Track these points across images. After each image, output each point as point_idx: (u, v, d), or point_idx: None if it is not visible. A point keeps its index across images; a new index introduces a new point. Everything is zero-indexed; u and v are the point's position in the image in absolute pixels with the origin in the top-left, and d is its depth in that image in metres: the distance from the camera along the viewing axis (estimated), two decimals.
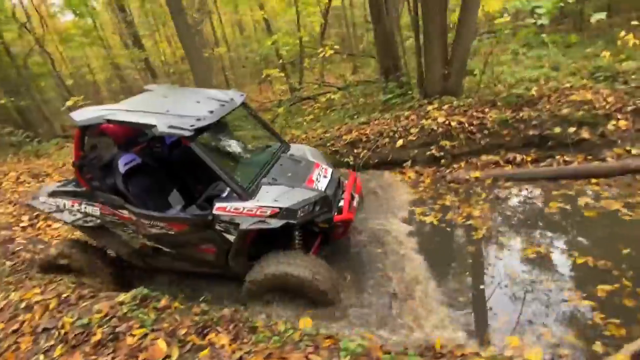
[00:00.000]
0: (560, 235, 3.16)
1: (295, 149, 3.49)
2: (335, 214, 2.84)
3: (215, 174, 2.61)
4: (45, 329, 2.26)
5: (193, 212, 2.81)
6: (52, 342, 2.15)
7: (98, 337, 2.09)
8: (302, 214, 2.62)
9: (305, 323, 2.40)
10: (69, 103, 9.98)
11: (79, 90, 19.61)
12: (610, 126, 4.09)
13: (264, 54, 10.46)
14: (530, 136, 4.30)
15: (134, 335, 2.09)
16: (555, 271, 2.76)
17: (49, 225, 5.52)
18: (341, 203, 2.93)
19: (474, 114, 4.72)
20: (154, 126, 2.52)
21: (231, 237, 2.65)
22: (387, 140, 4.95)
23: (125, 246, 3.29)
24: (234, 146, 3.59)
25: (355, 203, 3.10)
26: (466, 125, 4.59)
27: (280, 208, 2.55)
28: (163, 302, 2.47)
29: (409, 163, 4.75)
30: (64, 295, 2.60)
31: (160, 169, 3.52)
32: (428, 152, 4.66)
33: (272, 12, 15.21)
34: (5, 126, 9.29)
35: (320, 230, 3.14)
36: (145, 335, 2.09)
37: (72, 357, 2.01)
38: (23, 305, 2.53)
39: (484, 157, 4.46)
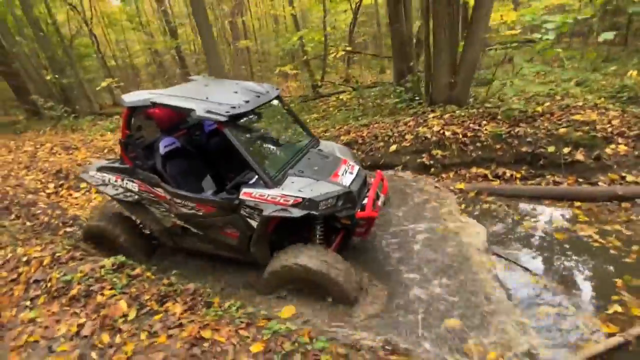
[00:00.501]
0: (523, 254, 3.15)
1: (324, 145, 3.52)
2: (359, 210, 2.81)
3: (245, 161, 2.69)
4: (36, 281, 2.64)
5: (222, 195, 2.89)
6: (38, 292, 2.52)
7: (74, 292, 2.43)
8: (324, 207, 2.63)
9: (288, 311, 2.50)
10: (103, 84, 10.85)
11: (120, 71, 20.94)
12: (608, 150, 3.97)
13: (287, 49, 10.70)
14: (523, 153, 4.25)
15: (103, 295, 2.41)
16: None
17: (70, 195, 6.11)
18: (365, 201, 2.90)
19: (471, 125, 4.70)
20: (193, 110, 2.66)
21: (254, 223, 2.71)
22: (381, 144, 5.04)
23: (157, 223, 3.41)
24: (266, 137, 3.68)
25: (380, 202, 3.08)
26: (460, 136, 4.60)
27: (303, 198, 2.58)
28: (137, 270, 2.80)
29: (399, 168, 4.82)
30: (58, 254, 2.99)
31: (198, 154, 3.66)
32: (419, 160, 4.71)
33: (305, 8, 15.39)
34: (48, 100, 10.20)
35: (342, 227, 3.15)
36: (113, 296, 2.40)
37: (51, 306, 2.37)
38: (25, 259, 2.94)
39: (473, 170, 4.46)
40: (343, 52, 6.73)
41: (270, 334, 1.94)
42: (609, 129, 4.13)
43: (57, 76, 11.28)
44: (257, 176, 2.74)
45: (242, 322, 2.13)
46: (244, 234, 2.87)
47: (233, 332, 1.99)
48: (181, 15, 16.54)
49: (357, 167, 3.16)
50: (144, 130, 3.52)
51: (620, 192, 3.51)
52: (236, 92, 3.10)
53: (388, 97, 7.18)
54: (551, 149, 4.10)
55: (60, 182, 6.42)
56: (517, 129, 4.37)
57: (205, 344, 1.88)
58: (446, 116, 5.15)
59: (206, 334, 1.97)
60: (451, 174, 4.56)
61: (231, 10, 16.62)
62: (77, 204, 5.76)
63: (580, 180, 3.95)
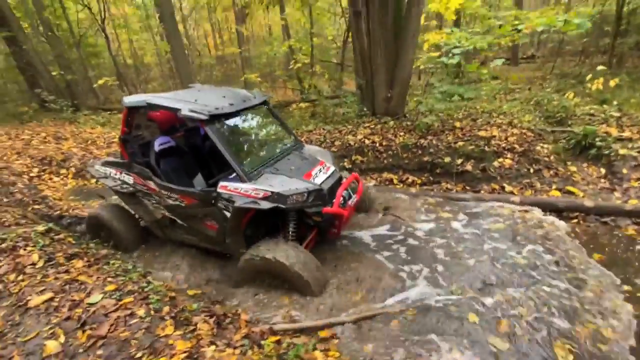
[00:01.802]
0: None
1: (309, 149, 3.74)
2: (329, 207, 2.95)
3: (224, 157, 2.90)
4: None
5: (202, 188, 3.11)
6: None
7: (4, 246, 3.13)
8: (292, 201, 2.78)
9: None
10: (100, 82, 11.78)
11: (130, 70, 22.09)
12: (496, 163, 4.49)
13: (271, 57, 11.44)
14: (424, 162, 4.80)
15: (25, 249, 3.10)
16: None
17: (51, 179, 6.92)
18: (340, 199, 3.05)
19: (389, 135, 5.28)
20: (179, 109, 2.93)
21: (229, 215, 2.90)
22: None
23: (149, 215, 3.69)
24: (251, 138, 3.82)
25: (351, 202, 3.24)
26: (377, 144, 5.18)
27: (272, 192, 2.74)
28: (61, 235, 3.48)
29: None
30: (7, 222, 3.71)
31: (192, 154, 3.93)
32: (341, 164, 5.31)
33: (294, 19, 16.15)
34: (51, 94, 11.21)
35: (315, 224, 3.30)
36: (32, 252, 3.08)
37: None
38: None
39: (385, 174, 5.03)
40: (302, 63, 7.35)
41: (128, 280, 2.59)
42: (503, 145, 4.65)
43: (62, 72, 12.31)
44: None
45: (116, 274, 2.78)
46: (222, 226, 3.07)
47: (102, 279, 2.64)
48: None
49: (332, 169, 3.34)
50: (144, 129, 3.90)
51: (487, 198, 4.04)
52: (224, 97, 3.35)
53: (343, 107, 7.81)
54: (447, 159, 4.65)
55: (44, 168, 7.24)
56: (422, 141, 4.92)
57: (75, 284, 2.54)
58: (378, 127, 5.75)
59: (81, 277, 2.63)
60: (368, 178, 5.14)
61: (237, 17, 17.62)
62: (54, 187, 6.55)
63: (468, 188, 4.48)
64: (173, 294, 2.55)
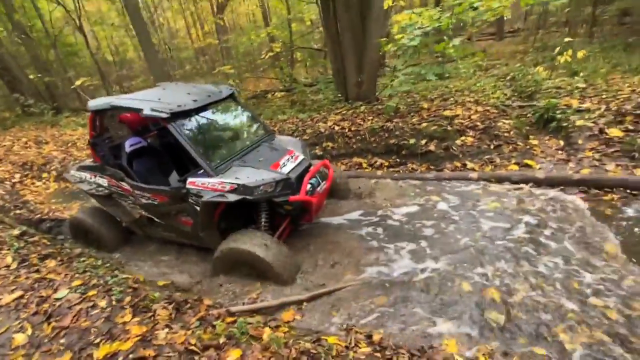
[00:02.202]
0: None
1: (279, 139, 3.73)
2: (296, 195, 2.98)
3: (190, 154, 2.93)
4: None
5: (172, 185, 3.14)
6: None
7: None
8: (259, 192, 2.84)
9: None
10: (77, 83, 11.62)
11: (112, 67, 21.73)
12: (458, 141, 4.62)
13: (250, 46, 11.35)
14: (391, 144, 4.92)
15: (0, 252, 3.23)
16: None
17: (33, 183, 7.00)
18: (307, 186, 3.09)
19: (357, 120, 5.38)
20: (141, 110, 2.97)
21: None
22: (288, 135, 5.76)
23: (127, 215, 3.73)
24: (219, 133, 3.77)
25: (320, 189, 3.26)
26: (346, 130, 5.29)
27: (238, 184, 2.79)
28: (35, 237, 3.62)
29: None
30: None
31: (165, 153, 3.95)
32: (313, 151, 5.42)
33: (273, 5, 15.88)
34: (28, 98, 11.13)
35: (287, 213, 3.33)
36: (6, 255, 3.22)
37: None
38: None
39: (355, 159, 5.16)
40: (275, 52, 7.34)
41: (94, 275, 2.75)
42: (466, 123, 4.77)
43: (39, 75, 12.17)
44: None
45: (84, 270, 2.93)
46: (196, 221, 3.12)
47: (70, 276, 2.79)
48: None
49: (301, 157, 3.34)
50: (112, 132, 3.91)
51: (446, 176, 4.19)
52: (189, 94, 3.35)
53: (319, 94, 7.84)
54: (412, 140, 4.77)
55: (26, 173, 7.31)
56: (389, 124, 5.03)
57: (45, 281, 2.69)
58: (349, 112, 5.83)
59: (50, 275, 2.78)
60: (338, 163, 5.26)
61: (218, 6, 17.29)
62: (36, 191, 6.65)
63: (432, 167, 4.62)
64: (136, 285, 2.71)
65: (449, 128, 4.69)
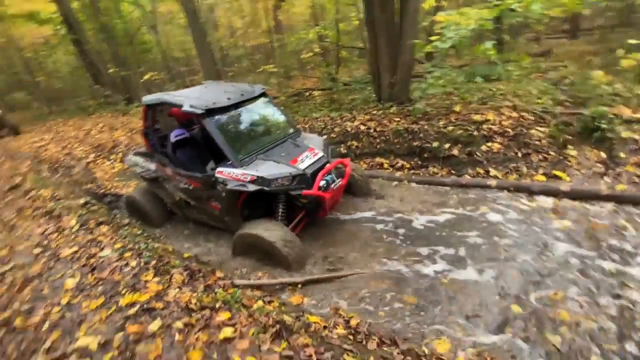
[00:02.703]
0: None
1: (304, 137, 3.99)
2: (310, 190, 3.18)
3: (220, 146, 3.30)
4: (37, 207, 4.35)
5: (203, 173, 3.53)
6: (37, 211, 4.21)
7: (53, 214, 4.05)
8: (275, 184, 3.12)
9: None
10: (145, 77, 13.14)
11: (179, 63, 23.88)
12: (484, 147, 4.50)
13: (296, 45, 11.74)
14: (414, 146, 4.94)
15: (67, 216, 3.99)
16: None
17: (103, 163, 8.18)
18: (322, 182, 3.27)
19: (385, 121, 5.46)
20: (181, 105, 3.36)
21: None
22: (316, 133, 6.03)
23: (170, 197, 4.21)
24: (249, 128, 4.04)
25: (334, 186, 3.44)
26: (372, 130, 5.40)
27: (257, 176, 3.10)
28: (95, 207, 4.36)
29: None
30: (59, 197, 4.71)
31: (204, 144, 4.31)
32: (338, 149, 5.63)
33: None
34: (107, 89, 12.87)
35: (302, 206, 3.56)
36: (71, 218, 3.96)
37: (40, 219, 4.01)
38: (39, 193, 4.73)
39: (377, 159, 5.25)
40: (314, 52, 7.62)
41: (132, 241, 3.30)
42: (495, 129, 4.61)
43: (117, 69, 13.95)
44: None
45: (126, 237, 3.52)
46: (222, 206, 3.51)
47: (114, 240, 3.38)
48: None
49: (320, 155, 3.54)
50: (161, 123, 4.46)
51: (464, 182, 4.13)
52: (225, 92, 3.73)
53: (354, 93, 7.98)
54: (435, 144, 4.74)
55: (98, 154, 8.56)
56: (414, 126, 5.04)
57: (95, 242, 3.31)
58: (379, 113, 5.93)
59: (100, 238, 3.40)
60: (361, 162, 5.41)
61: (275, 5, 18.16)
62: (104, 170, 7.78)
63: (453, 172, 4.57)
64: (163, 253, 3.20)
65: (476, 133, 4.57)
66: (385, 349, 2.16)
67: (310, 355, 1.85)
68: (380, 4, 5.70)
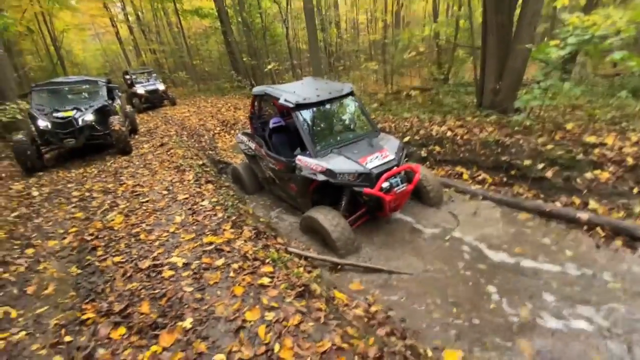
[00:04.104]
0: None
1: (381, 137, 4.14)
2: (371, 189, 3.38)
3: (302, 137, 3.74)
4: (166, 160, 5.79)
5: (287, 158, 4.01)
6: (162, 164, 5.62)
7: (180, 168, 5.36)
8: (340, 177, 3.42)
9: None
10: (269, 67, 14.96)
11: (302, 55, 26.15)
12: (588, 174, 3.89)
13: (405, 43, 11.54)
14: (501, 161, 4.54)
15: (189, 171, 5.22)
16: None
17: (225, 136, 9.94)
18: (385, 184, 3.42)
19: (475, 129, 5.14)
20: (278, 98, 3.94)
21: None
22: (400, 134, 6.08)
23: (262, 173, 4.92)
24: (331, 124, 4.37)
25: (398, 189, 3.53)
26: (458, 137, 5.17)
27: (327, 168, 3.45)
28: (208, 168, 5.54)
29: None
30: (188, 157, 6.12)
31: (296, 133, 4.48)
32: (419, 152, 5.57)
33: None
34: (240, 75, 15.27)
35: (364, 202, 3.83)
36: (190, 173, 5.17)
37: (164, 170, 5.37)
38: (175, 152, 6.25)
39: (458, 168, 5.02)
40: (415, 52, 7.44)
41: (225, 197, 4.18)
42: (610, 155, 3.90)
43: (249, 58, 16.32)
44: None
45: (221, 195, 4.45)
46: (297, 188, 4.06)
47: (213, 195, 4.33)
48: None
49: (390, 157, 3.65)
50: (264, 111, 5.24)
51: (547, 210, 3.67)
52: (316, 89, 4.11)
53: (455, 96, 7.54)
54: (527, 162, 4.28)
55: (223, 128, 10.40)
56: (507, 139, 4.62)
57: (200, 194, 4.32)
58: (474, 120, 5.60)
59: (205, 191, 4.41)
60: (439, 169, 5.26)
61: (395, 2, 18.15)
62: (224, 142, 9.48)
63: (542, 196, 4.07)
64: (242, 212, 3.97)
65: (581, 156, 3.94)
66: (392, 339, 2.33)
67: (319, 318, 2.20)
68: (495, 2, 5.28)
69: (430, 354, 2.24)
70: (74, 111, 6.19)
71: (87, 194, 4.78)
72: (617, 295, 2.67)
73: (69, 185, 5.21)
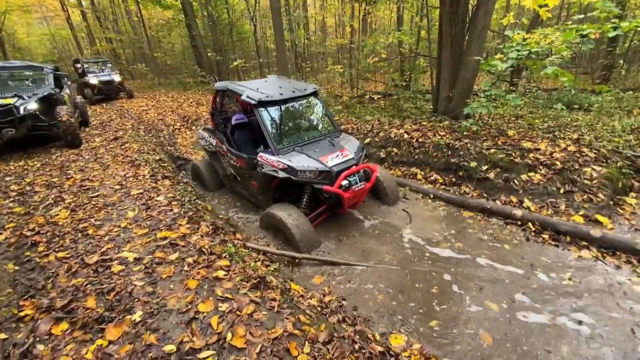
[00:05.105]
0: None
1: (343, 137, 4.27)
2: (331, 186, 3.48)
3: (264, 134, 3.77)
4: (130, 159, 5.53)
5: (248, 155, 4.03)
6: (125, 164, 5.36)
7: (135, 163, 5.14)
8: (301, 175, 3.48)
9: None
10: (235, 63, 14.70)
11: (270, 54, 25.94)
12: (524, 176, 4.31)
13: (371, 48, 11.99)
14: (451, 163, 4.90)
15: (145, 166, 5.02)
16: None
17: (185, 132, 9.62)
18: (344, 182, 3.54)
19: (429, 133, 5.49)
20: (240, 95, 3.94)
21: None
22: (361, 136, 6.31)
23: (223, 170, 4.90)
24: (294, 122, 4.39)
25: (356, 187, 3.66)
26: (413, 140, 5.49)
27: (288, 165, 3.49)
28: (166, 164, 5.37)
29: None
30: (144, 151, 5.88)
31: (258, 130, 4.54)
32: (377, 153, 5.83)
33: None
34: (203, 70, 14.83)
35: (324, 200, 3.90)
36: (145, 168, 4.98)
37: (130, 166, 5.13)
38: (131, 147, 5.97)
39: (413, 169, 5.33)
40: (372, 60, 7.80)
41: (181, 193, 4.09)
42: (542, 159, 4.36)
43: (214, 54, 15.91)
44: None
45: (178, 191, 4.34)
46: (259, 186, 4.07)
47: (169, 190, 4.22)
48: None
49: (350, 156, 3.78)
50: (229, 107, 5.27)
51: (488, 207, 4.04)
52: (280, 87, 4.17)
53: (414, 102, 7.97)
54: (473, 164, 4.66)
55: (183, 123, 10.06)
56: (457, 142, 4.99)
57: (156, 189, 4.18)
58: (428, 124, 5.96)
59: (160, 187, 4.27)
60: (396, 170, 5.54)
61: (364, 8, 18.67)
62: (184, 138, 9.17)
63: (485, 195, 4.46)
64: (200, 208, 3.91)
65: (519, 160, 4.38)
66: (343, 325, 2.45)
67: (273, 307, 2.26)
68: (449, 17, 5.69)
69: (378, 338, 2.38)
70: (15, 99, 5.68)
71: (28, 187, 4.42)
72: (539, 279, 3.02)
73: (7, 179, 4.78)
